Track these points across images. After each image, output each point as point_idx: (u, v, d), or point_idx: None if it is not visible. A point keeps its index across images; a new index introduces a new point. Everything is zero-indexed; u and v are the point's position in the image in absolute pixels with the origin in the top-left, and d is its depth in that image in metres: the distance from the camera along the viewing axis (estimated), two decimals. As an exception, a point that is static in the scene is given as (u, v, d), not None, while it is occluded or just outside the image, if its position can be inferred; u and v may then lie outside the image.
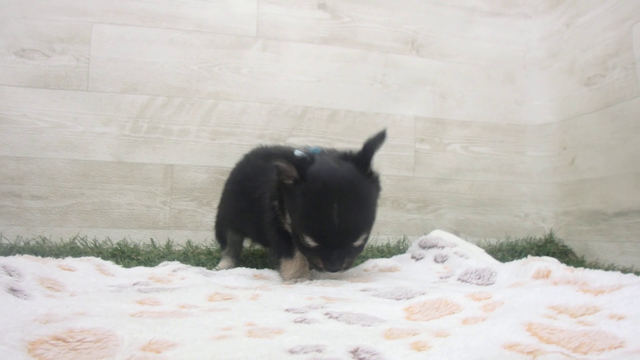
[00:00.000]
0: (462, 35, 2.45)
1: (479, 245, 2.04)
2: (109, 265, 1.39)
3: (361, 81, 2.32)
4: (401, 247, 2.25)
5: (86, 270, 1.24)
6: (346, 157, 1.24)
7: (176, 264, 1.50)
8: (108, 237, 2.00)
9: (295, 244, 1.28)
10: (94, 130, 2.02)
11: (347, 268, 1.23)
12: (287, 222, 1.27)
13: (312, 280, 1.27)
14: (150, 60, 2.10)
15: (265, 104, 2.20)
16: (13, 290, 0.91)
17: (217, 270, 1.52)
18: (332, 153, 1.31)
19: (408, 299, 0.95)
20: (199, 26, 2.17)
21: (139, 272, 1.37)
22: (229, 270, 1.48)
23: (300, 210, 1.17)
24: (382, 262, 1.68)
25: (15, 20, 2.02)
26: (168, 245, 2.06)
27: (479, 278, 1.29)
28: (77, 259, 1.36)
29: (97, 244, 1.92)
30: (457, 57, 2.44)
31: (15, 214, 1.93)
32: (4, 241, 1.89)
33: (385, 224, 2.31)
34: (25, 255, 1.20)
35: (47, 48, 2.01)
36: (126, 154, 2.05)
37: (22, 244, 1.88)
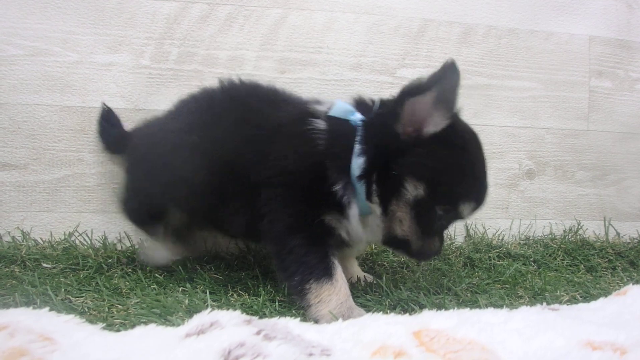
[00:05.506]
0: None
1: None
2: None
3: (510, -19, 1.82)
4: (572, 239, 1.65)
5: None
6: (361, 104, 1.15)
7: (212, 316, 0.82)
8: (125, 231, 1.51)
9: (409, 230, 1.09)
10: (95, 59, 1.55)
11: None
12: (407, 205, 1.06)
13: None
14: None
15: (363, 15, 1.69)
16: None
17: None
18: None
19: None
20: None
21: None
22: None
23: (461, 170, 1.07)
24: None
25: None
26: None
27: None
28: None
29: (107, 242, 1.47)
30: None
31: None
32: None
33: (544, 203, 1.78)
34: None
35: None
36: (147, 97, 1.57)
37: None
